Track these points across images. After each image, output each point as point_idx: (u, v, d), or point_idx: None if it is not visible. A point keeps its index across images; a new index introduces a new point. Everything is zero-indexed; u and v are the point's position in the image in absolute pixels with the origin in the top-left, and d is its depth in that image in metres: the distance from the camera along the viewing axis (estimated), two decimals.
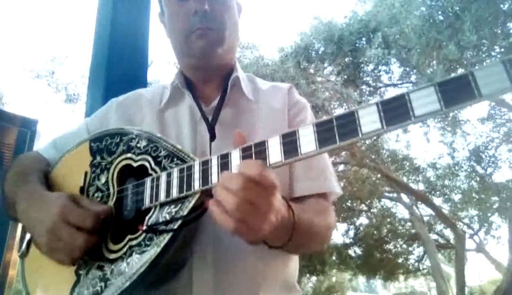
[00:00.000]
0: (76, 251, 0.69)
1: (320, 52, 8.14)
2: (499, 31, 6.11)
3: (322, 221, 0.82)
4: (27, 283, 0.81)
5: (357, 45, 7.76)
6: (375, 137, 9.14)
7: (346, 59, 8.11)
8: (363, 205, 11.64)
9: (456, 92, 0.45)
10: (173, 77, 1.01)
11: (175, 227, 0.65)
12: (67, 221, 0.69)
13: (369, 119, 0.50)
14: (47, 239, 0.70)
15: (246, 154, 0.61)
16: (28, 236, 0.84)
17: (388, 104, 0.50)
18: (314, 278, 16.57)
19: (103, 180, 0.81)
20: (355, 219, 12.12)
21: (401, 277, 14.31)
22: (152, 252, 0.64)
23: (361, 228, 12.37)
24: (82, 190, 0.83)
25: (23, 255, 0.84)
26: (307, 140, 0.56)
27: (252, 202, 0.56)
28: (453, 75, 0.45)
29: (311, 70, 8.33)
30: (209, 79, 0.99)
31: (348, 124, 0.52)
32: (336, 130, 0.53)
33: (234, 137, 0.64)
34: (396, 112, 0.48)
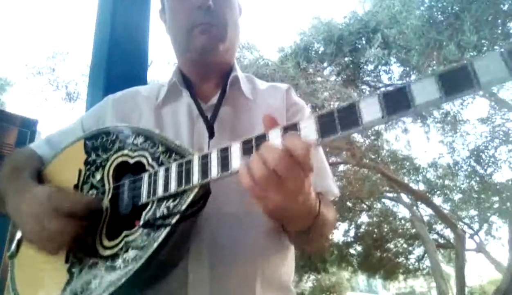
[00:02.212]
0: (66, 237, 0.68)
1: (319, 52, 8.14)
2: (499, 31, 6.11)
3: (332, 215, 0.83)
4: (16, 283, 0.79)
5: (356, 45, 7.75)
6: (375, 137, 9.14)
7: (346, 59, 8.10)
8: (363, 204, 11.63)
9: (456, 81, 0.45)
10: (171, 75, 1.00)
11: (173, 221, 0.63)
12: (55, 208, 0.68)
13: (370, 110, 0.50)
14: (37, 229, 0.69)
15: (246, 147, 0.60)
16: (18, 235, 0.82)
17: (389, 94, 0.49)
18: (313, 277, 16.57)
19: (98, 177, 0.79)
20: (355, 218, 12.11)
21: (401, 277, 14.30)
22: (149, 247, 0.63)
23: (361, 228, 12.37)
24: (75, 187, 0.82)
25: (12, 255, 0.82)
26: (308, 131, 0.55)
27: (284, 177, 0.54)
28: (453, 65, 0.46)
29: (311, 70, 8.31)
30: (208, 77, 0.99)
31: (349, 115, 0.52)
32: (338, 121, 0.52)
33: (264, 120, 0.61)
34: (396, 101, 0.48)
